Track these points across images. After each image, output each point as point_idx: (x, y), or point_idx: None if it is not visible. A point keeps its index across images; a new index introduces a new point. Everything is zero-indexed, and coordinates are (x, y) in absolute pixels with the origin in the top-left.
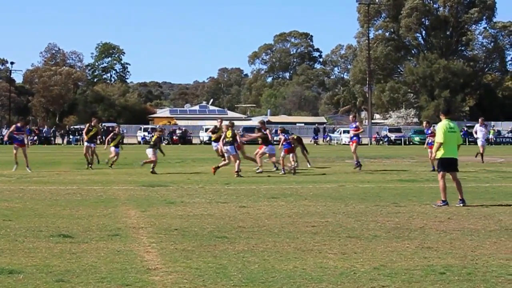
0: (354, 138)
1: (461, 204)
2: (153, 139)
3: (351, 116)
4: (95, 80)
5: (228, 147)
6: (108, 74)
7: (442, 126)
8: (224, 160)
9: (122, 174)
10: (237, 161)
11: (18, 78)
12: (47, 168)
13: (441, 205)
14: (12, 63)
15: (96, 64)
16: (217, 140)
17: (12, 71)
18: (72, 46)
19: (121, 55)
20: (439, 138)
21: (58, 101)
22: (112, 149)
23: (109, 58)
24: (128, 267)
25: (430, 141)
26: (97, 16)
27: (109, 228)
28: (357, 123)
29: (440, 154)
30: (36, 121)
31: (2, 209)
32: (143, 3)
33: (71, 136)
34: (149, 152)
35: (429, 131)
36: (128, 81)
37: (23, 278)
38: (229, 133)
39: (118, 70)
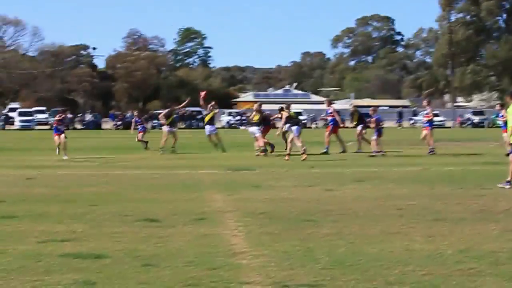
0: (426, 124)
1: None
2: (256, 118)
3: (425, 101)
4: (178, 65)
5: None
6: (191, 59)
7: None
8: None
9: (207, 158)
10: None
11: (100, 64)
12: (131, 153)
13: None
14: (94, 48)
15: (179, 49)
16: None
17: (94, 57)
18: (154, 32)
19: (203, 40)
20: (510, 122)
21: (141, 86)
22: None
23: (192, 43)
24: (214, 251)
25: (502, 123)
26: (179, 0)
27: (195, 212)
28: (428, 110)
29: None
30: (119, 106)
31: (87, 194)
32: None
33: (154, 121)
34: (254, 130)
35: (501, 114)
36: (210, 65)
37: (110, 262)
38: (256, 117)
39: (200, 55)
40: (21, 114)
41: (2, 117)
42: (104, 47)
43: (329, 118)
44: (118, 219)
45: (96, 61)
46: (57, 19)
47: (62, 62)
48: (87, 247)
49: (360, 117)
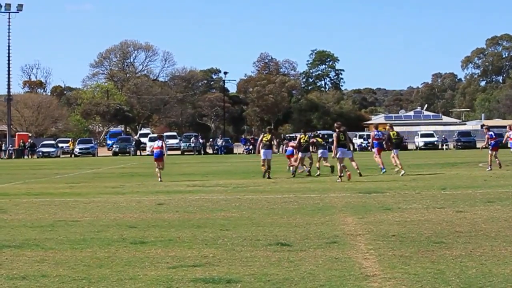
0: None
1: None
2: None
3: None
4: (309, 88)
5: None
6: (322, 82)
7: None
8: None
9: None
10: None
11: (231, 88)
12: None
13: None
14: (225, 73)
15: (310, 71)
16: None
17: (225, 81)
18: (285, 55)
19: (335, 62)
20: None
21: (273, 109)
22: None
23: (323, 66)
24: (346, 274)
25: None
26: (310, 24)
27: (326, 236)
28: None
29: None
30: (251, 130)
31: (219, 219)
32: (354, 10)
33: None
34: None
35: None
36: (342, 88)
37: (241, 287)
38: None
39: (332, 77)
40: (152, 139)
41: (134, 142)
42: (235, 71)
43: (492, 141)
44: (249, 244)
45: (227, 85)
46: (188, 44)
47: (193, 87)
48: (218, 271)
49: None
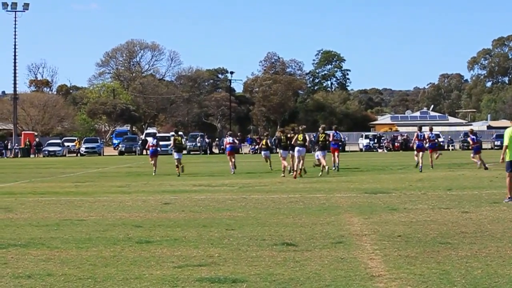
0: None
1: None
2: None
3: None
4: (315, 88)
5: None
6: (329, 82)
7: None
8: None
9: (343, 181)
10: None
11: (238, 88)
12: (269, 176)
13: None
14: (231, 72)
15: (317, 71)
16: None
17: (232, 81)
18: (291, 55)
19: (341, 62)
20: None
21: (279, 109)
22: None
23: (330, 66)
24: (352, 274)
25: None
26: (316, 23)
27: (332, 236)
28: None
29: None
30: (257, 130)
31: (225, 219)
32: (360, 10)
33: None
34: None
35: None
36: (348, 88)
37: (247, 287)
38: (300, 137)
39: (338, 78)
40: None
41: (140, 142)
42: (242, 71)
43: (474, 146)
44: (255, 243)
45: (233, 85)
46: (195, 43)
47: (200, 87)
48: (224, 271)
49: None
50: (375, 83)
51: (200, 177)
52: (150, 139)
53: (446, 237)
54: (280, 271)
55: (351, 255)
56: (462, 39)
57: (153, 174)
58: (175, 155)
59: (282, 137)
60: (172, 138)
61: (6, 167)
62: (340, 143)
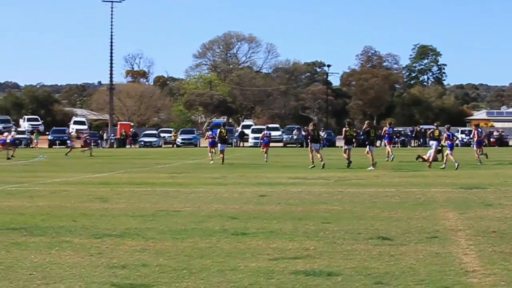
0: None
1: None
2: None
3: None
4: (412, 82)
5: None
6: (425, 76)
7: None
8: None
9: (439, 176)
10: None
11: (335, 81)
12: (364, 170)
13: None
14: (328, 66)
15: (413, 66)
16: None
17: (328, 74)
18: (388, 49)
19: (437, 57)
20: None
21: (375, 103)
22: None
23: (426, 60)
24: (446, 269)
25: None
26: (413, 17)
27: (427, 230)
28: None
29: None
30: (354, 124)
31: (320, 212)
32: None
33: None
34: None
35: None
36: (444, 83)
37: (342, 280)
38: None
39: (434, 72)
40: (254, 131)
41: (237, 134)
42: (339, 64)
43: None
44: (350, 237)
45: (330, 78)
46: (292, 36)
47: (297, 79)
48: (319, 264)
49: None
50: (471, 78)
51: (296, 169)
52: (209, 132)
53: None
54: (375, 265)
55: (445, 250)
56: None
57: (210, 162)
58: (220, 146)
59: (313, 131)
60: (218, 130)
61: (102, 157)
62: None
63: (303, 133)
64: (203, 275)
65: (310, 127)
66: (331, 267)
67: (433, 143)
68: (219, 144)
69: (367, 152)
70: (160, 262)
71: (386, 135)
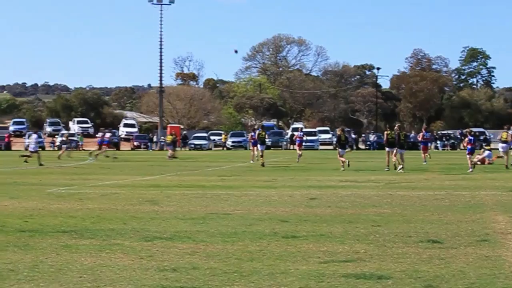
0: None
1: None
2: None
3: None
4: (461, 85)
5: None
6: (474, 79)
7: None
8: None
9: (489, 179)
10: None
11: (384, 84)
12: (415, 173)
13: None
14: (378, 68)
15: (462, 68)
16: None
17: (378, 77)
18: (438, 51)
19: (486, 60)
20: None
21: (425, 106)
22: None
23: (475, 63)
24: (496, 273)
25: None
26: (463, 20)
27: (477, 234)
28: None
29: None
30: (403, 127)
31: (371, 215)
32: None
33: (438, 142)
34: None
35: None
36: (494, 86)
37: (392, 283)
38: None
39: (483, 75)
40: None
41: (287, 136)
42: (389, 67)
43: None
44: (400, 240)
45: (380, 81)
46: (342, 38)
47: (346, 82)
48: (370, 267)
49: None
50: None
51: (346, 172)
52: (251, 133)
53: None
54: (425, 268)
55: (495, 253)
56: None
57: (250, 162)
58: (259, 147)
59: (342, 135)
60: (257, 132)
61: (152, 160)
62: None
63: (353, 136)
64: (254, 278)
65: (338, 132)
66: (381, 270)
67: (502, 145)
68: (258, 145)
69: (394, 155)
70: (211, 265)
71: (423, 141)
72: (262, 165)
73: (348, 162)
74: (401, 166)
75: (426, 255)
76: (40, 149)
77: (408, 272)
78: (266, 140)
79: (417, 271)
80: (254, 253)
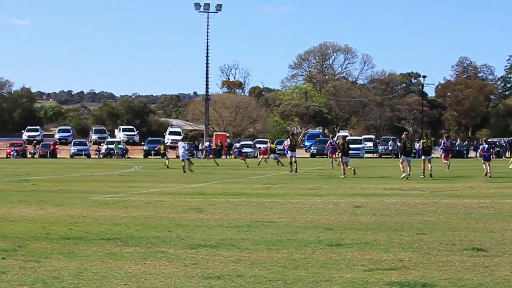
0: None
1: None
2: None
3: None
4: (507, 93)
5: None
6: None
7: None
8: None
9: None
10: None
11: (430, 92)
12: (460, 181)
13: None
14: (424, 76)
15: (508, 76)
16: None
17: (424, 85)
18: (484, 59)
19: None
20: None
21: (470, 114)
22: None
23: None
24: None
25: None
26: (509, 29)
27: None
28: None
29: None
30: (449, 135)
31: (415, 223)
32: None
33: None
34: None
35: None
36: None
37: None
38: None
39: None
40: (350, 142)
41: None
42: (434, 75)
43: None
44: (445, 248)
45: (426, 89)
46: (388, 47)
47: (392, 90)
48: (414, 275)
49: None
50: None
51: (391, 180)
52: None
53: None
54: (470, 276)
55: None
56: None
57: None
58: (290, 153)
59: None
60: (288, 139)
61: (197, 167)
62: None
63: (398, 144)
64: (298, 286)
65: (340, 140)
66: (426, 278)
67: None
68: (289, 152)
69: (401, 163)
70: (255, 273)
71: (444, 148)
72: (295, 171)
73: (354, 169)
74: (406, 174)
75: (471, 263)
76: (191, 156)
77: (452, 280)
78: (312, 148)
79: (461, 279)
80: (298, 261)
